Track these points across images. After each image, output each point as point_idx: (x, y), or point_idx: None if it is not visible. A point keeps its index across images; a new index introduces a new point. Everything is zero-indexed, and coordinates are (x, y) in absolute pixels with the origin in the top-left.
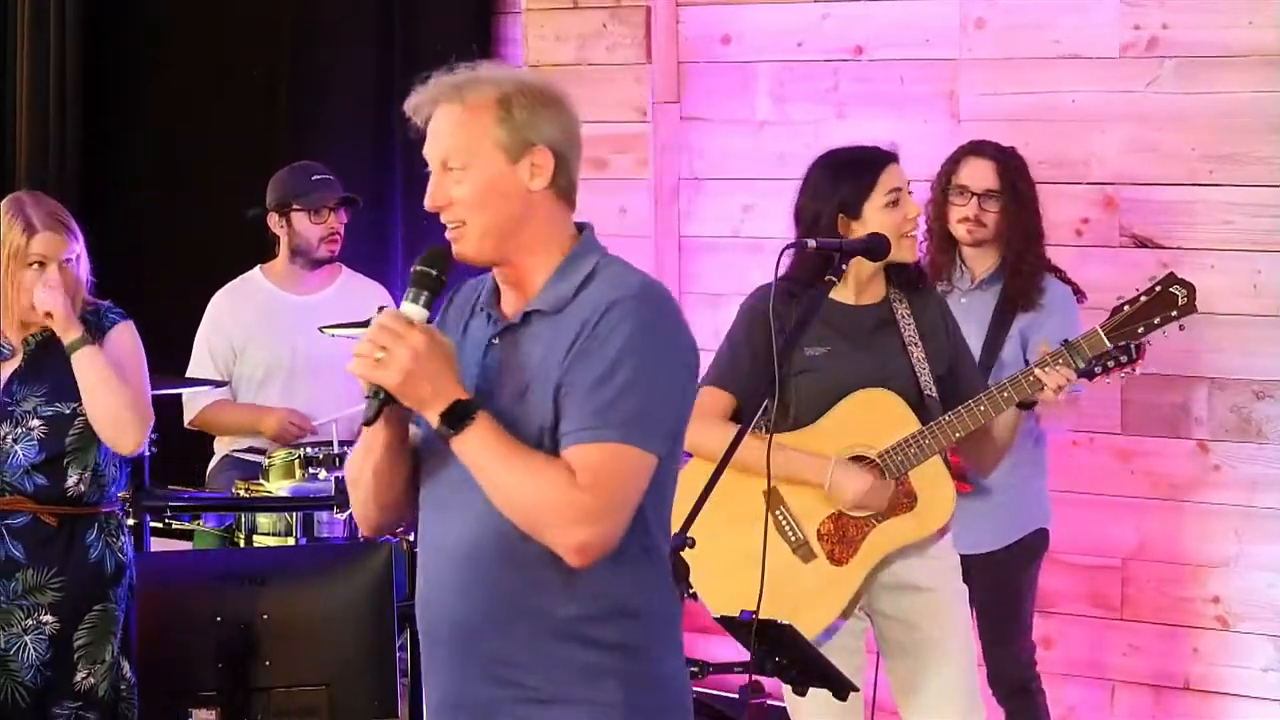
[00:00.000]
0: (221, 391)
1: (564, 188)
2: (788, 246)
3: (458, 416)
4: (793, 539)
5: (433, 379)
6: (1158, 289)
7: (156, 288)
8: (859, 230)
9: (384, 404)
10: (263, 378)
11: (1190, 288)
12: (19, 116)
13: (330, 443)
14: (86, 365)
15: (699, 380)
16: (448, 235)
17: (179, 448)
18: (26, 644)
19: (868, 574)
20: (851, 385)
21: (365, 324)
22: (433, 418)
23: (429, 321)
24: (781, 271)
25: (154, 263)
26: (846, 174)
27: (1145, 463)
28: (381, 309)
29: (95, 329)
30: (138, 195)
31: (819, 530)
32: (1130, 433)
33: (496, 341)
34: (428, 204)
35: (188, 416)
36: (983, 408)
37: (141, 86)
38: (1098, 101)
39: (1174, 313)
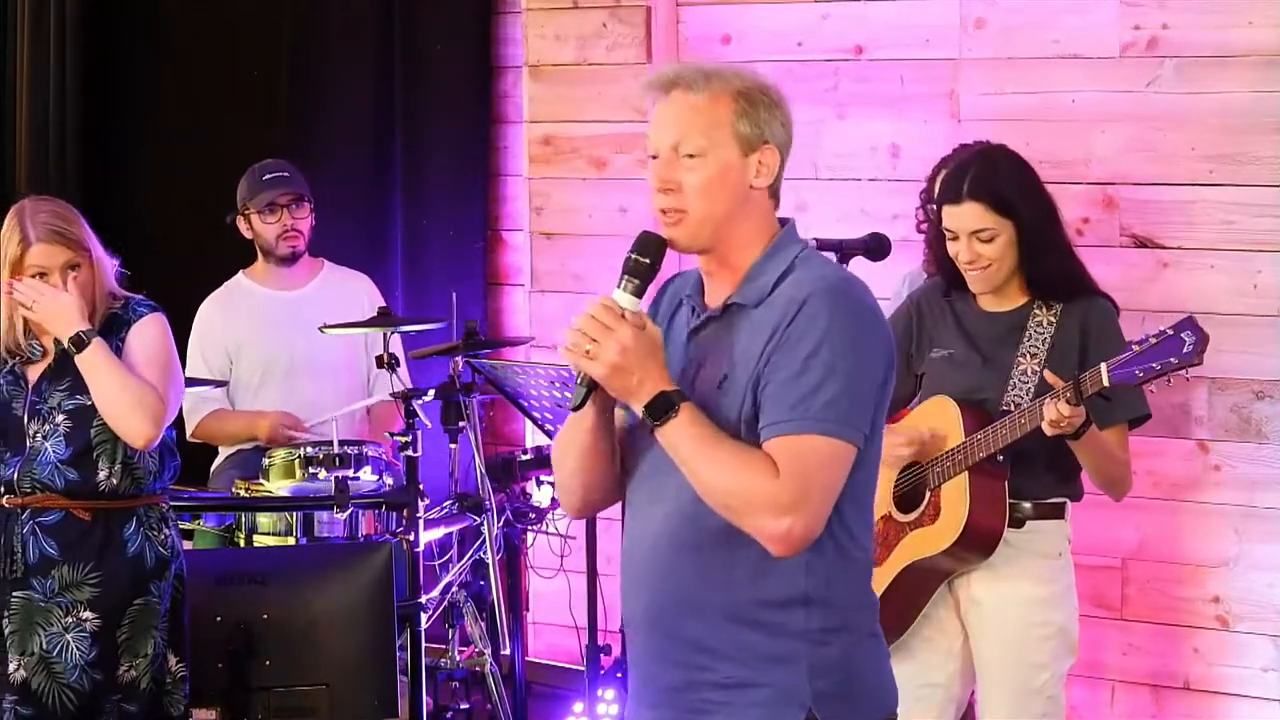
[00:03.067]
0: (219, 399)
1: (776, 189)
2: None
3: (662, 408)
4: None
5: (639, 371)
6: (1168, 333)
7: (156, 288)
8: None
9: (590, 391)
10: (260, 378)
11: (1201, 337)
12: (19, 116)
13: (330, 442)
14: (86, 365)
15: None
16: (664, 220)
17: (179, 447)
18: (69, 643)
19: (891, 581)
20: (952, 391)
21: (366, 324)
22: (638, 408)
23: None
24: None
25: (154, 263)
26: (938, 190)
27: (1145, 463)
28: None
29: (121, 323)
30: (137, 195)
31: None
32: (1130, 432)
33: (696, 332)
34: (659, 184)
35: (189, 429)
36: (1004, 430)
37: (141, 87)
38: (1098, 101)
39: (1173, 359)
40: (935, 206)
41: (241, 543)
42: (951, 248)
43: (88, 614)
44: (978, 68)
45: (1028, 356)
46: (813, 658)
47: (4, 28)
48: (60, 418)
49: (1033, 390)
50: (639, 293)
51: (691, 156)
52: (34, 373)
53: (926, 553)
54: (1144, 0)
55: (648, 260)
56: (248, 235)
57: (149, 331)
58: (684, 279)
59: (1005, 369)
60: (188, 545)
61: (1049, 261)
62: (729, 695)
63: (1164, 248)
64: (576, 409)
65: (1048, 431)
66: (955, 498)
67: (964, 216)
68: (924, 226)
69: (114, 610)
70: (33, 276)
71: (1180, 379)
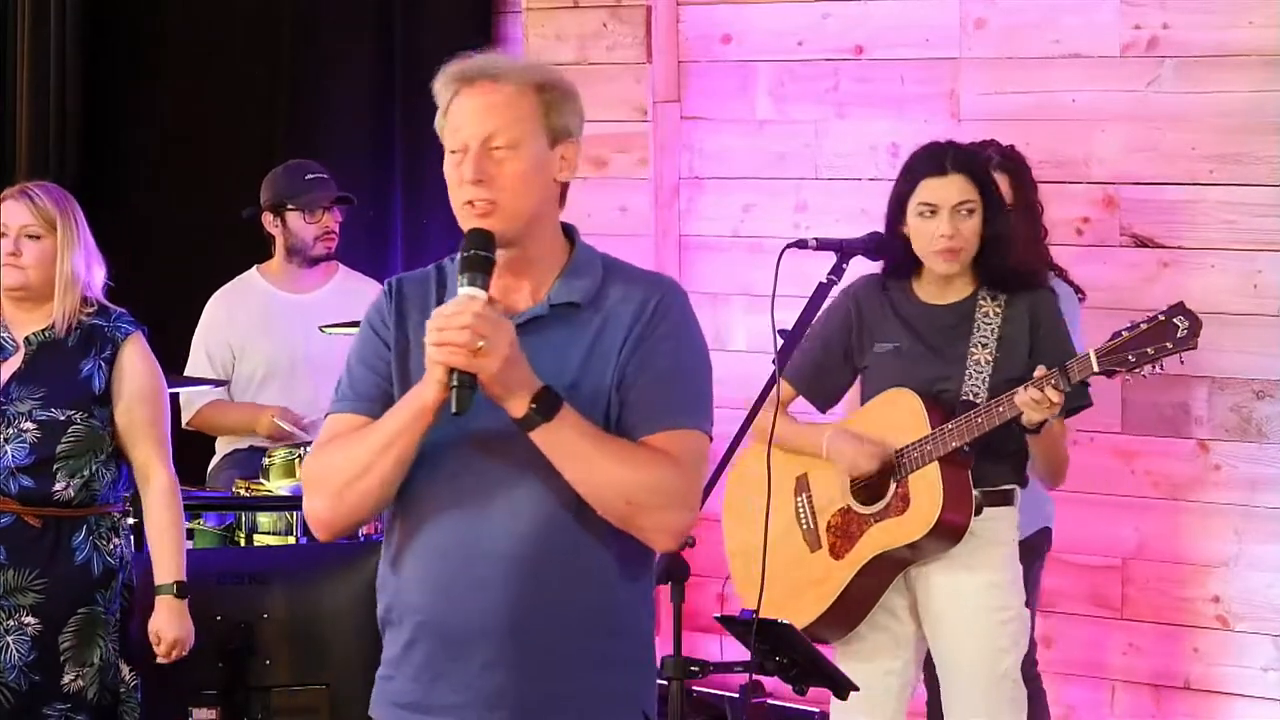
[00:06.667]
0: (219, 391)
1: (567, 185)
2: (789, 245)
3: (551, 403)
4: (804, 526)
5: (521, 366)
6: (1160, 318)
7: (156, 287)
8: (907, 228)
9: (474, 392)
10: (262, 377)
11: (1195, 321)
12: (19, 116)
13: None
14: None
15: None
16: (475, 213)
17: (179, 447)
18: (9, 644)
19: (856, 572)
20: (904, 384)
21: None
22: (519, 406)
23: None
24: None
25: (154, 262)
26: (905, 171)
27: (1145, 463)
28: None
29: (104, 339)
30: (138, 195)
31: (829, 522)
32: (1130, 432)
33: (519, 332)
34: (472, 176)
35: (185, 417)
36: (980, 419)
37: (141, 86)
38: (1098, 101)
39: (1169, 344)
40: (903, 185)
41: (241, 542)
42: (928, 226)
43: (29, 619)
44: (978, 68)
45: (980, 347)
46: (632, 660)
47: (4, 28)
48: (28, 425)
49: (987, 380)
50: (485, 288)
51: (501, 149)
52: (5, 372)
53: (897, 544)
54: (1144, 0)
55: (485, 253)
56: (272, 231)
57: (138, 362)
58: (420, 283)
59: (960, 360)
60: (188, 545)
61: (1010, 250)
62: (572, 705)
63: (1164, 247)
64: (462, 413)
65: (1027, 417)
66: (926, 488)
67: (949, 187)
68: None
69: (57, 617)
70: None
71: (1183, 378)
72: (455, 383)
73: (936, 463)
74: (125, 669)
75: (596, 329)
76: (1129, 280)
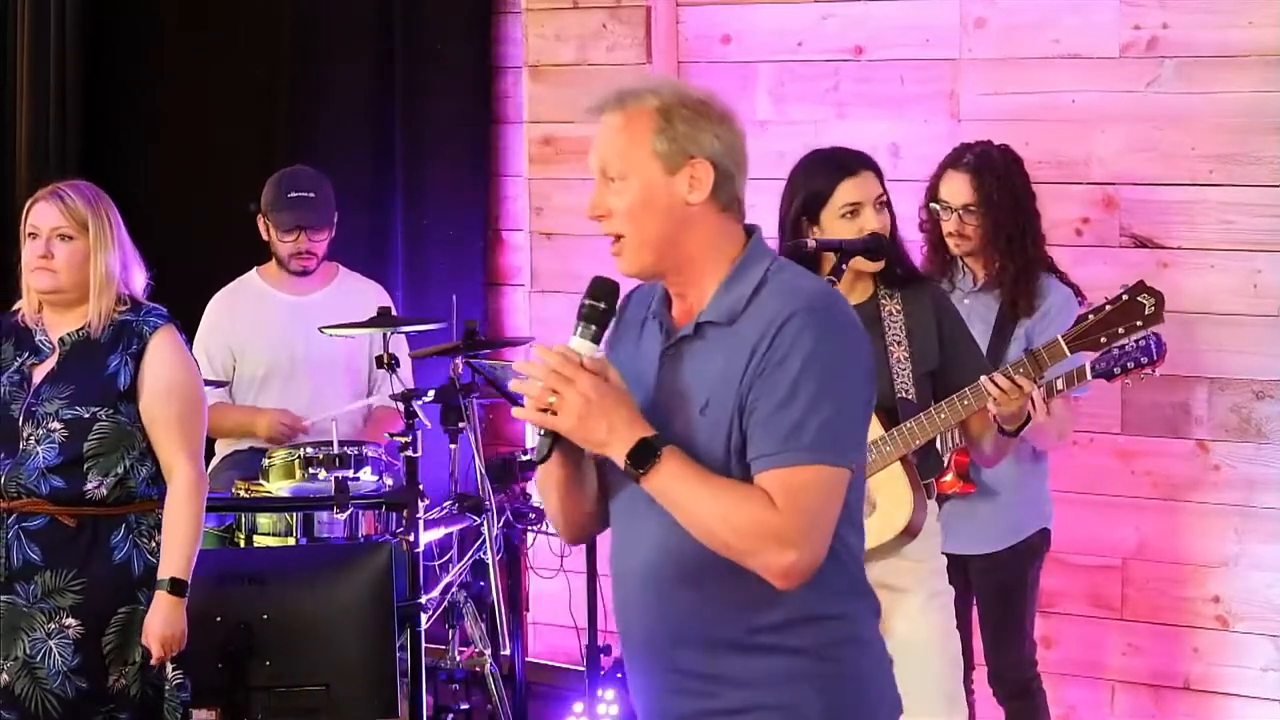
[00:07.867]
0: (219, 393)
1: (727, 201)
2: (789, 246)
3: (643, 456)
4: None
5: (608, 419)
6: (1124, 298)
7: (156, 288)
8: (818, 231)
9: (554, 443)
10: (263, 379)
11: (1158, 297)
12: (19, 115)
13: (330, 443)
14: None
15: None
16: (612, 249)
17: None
18: (51, 649)
19: None
20: None
21: (366, 324)
22: (618, 458)
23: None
24: None
25: (154, 263)
26: (810, 179)
27: (1145, 463)
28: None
29: (131, 333)
30: (138, 196)
31: None
32: (1130, 433)
33: (669, 353)
34: (589, 212)
35: None
36: (943, 415)
37: (142, 87)
38: (1098, 101)
39: (1139, 322)
40: (815, 187)
41: (241, 543)
42: (852, 226)
43: (70, 620)
44: (978, 68)
45: (896, 345)
46: (821, 672)
47: (4, 27)
48: (56, 425)
49: (912, 376)
50: (596, 339)
51: (618, 179)
52: (38, 374)
53: (868, 545)
54: (1144, 0)
55: (602, 305)
56: (265, 236)
57: (164, 356)
58: (646, 293)
59: (880, 360)
60: None
61: (902, 247)
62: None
63: (1164, 248)
64: (542, 461)
65: (992, 408)
66: (892, 490)
67: (868, 184)
68: (925, 225)
69: (97, 618)
70: (28, 236)
71: (1183, 378)
72: (541, 430)
73: (899, 463)
74: (169, 666)
75: (728, 350)
76: (1128, 280)
